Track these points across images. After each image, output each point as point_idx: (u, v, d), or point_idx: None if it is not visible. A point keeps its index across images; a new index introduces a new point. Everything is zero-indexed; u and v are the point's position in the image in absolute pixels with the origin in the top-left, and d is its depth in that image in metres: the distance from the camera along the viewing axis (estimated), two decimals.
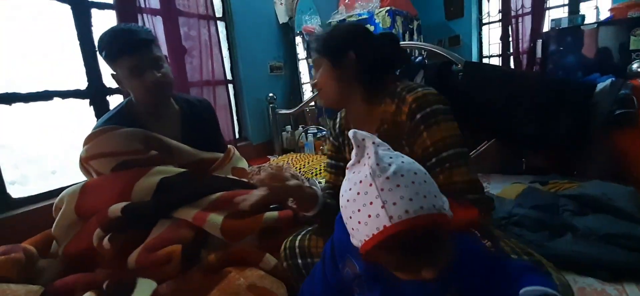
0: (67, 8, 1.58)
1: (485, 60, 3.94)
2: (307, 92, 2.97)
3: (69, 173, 1.52)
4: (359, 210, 0.43)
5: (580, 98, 1.39)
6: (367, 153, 0.44)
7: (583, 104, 1.39)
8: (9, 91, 1.42)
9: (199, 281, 0.86)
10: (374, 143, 0.45)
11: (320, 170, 1.84)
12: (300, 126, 2.68)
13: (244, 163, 1.43)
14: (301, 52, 2.98)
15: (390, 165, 0.43)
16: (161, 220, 0.99)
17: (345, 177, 0.48)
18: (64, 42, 1.64)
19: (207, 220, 0.98)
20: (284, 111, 2.57)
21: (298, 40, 2.91)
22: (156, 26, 1.82)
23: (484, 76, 1.54)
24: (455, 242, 0.45)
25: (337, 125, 0.93)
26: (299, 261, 0.88)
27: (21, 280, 0.86)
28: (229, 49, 2.45)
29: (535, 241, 0.97)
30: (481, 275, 0.49)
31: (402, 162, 0.45)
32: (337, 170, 0.94)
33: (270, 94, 2.55)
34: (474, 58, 3.89)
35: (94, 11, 1.66)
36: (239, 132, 2.58)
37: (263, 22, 2.65)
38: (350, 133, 0.47)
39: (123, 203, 0.97)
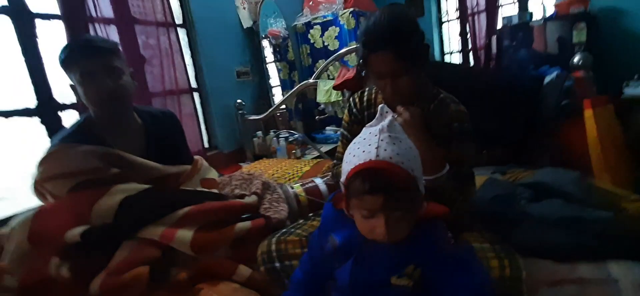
0: (5, 19, 1.46)
1: (446, 57, 4.11)
2: (277, 96, 2.95)
3: (19, 199, 1.41)
4: (358, 148, 0.55)
5: (531, 91, 1.50)
6: (385, 119, 0.55)
7: (533, 97, 1.49)
8: None
9: None
10: (394, 117, 0.58)
11: (293, 174, 1.83)
12: (271, 131, 2.66)
13: (213, 174, 1.40)
14: (269, 56, 2.96)
15: (397, 134, 0.55)
16: (125, 242, 0.94)
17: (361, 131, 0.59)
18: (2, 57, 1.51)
19: (175, 237, 0.95)
20: (253, 117, 2.54)
21: (265, 43, 2.88)
22: (110, 35, 1.73)
23: (443, 75, 1.60)
24: (422, 228, 0.55)
25: (365, 99, 1.02)
26: (277, 264, 0.88)
27: None
28: (192, 56, 2.37)
29: (498, 232, 1.02)
30: (436, 261, 0.57)
31: (408, 141, 0.55)
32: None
33: (239, 100, 2.50)
34: (437, 55, 4.05)
35: (40, 22, 1.55)
36: (209, 141, 2.51)
37: (226, 27, 2.60)
38: (381, 105, 0.60)
39: (82, 228, 0.92)
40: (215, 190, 1.28)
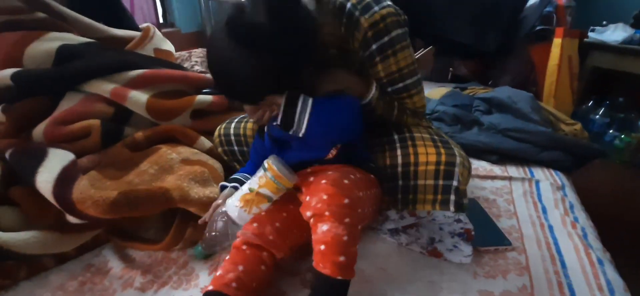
0: None
1: None
2: None
3: None
4: None
5: (512, 11, 1.49)
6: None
7: (514, 17, 1.49)
8: None
9: (126, 155, 0.80)
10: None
11: None
12: None
13: (168, 46, 1.27)
14: None
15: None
16: (69, 93, 0.86)
17: None
18: None
19: (128, 96, 0.88)
20: None
21: None
22: None
23: None
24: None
25: None
26: (235, 148, 0.86)
27: None
28: None
29: (450, 132, 1.11)
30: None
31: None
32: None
33: None
34: None
35: None
36: (164, 16, 2.24)
37: None
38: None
39: (12, 70, 0.81)
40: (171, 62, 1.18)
